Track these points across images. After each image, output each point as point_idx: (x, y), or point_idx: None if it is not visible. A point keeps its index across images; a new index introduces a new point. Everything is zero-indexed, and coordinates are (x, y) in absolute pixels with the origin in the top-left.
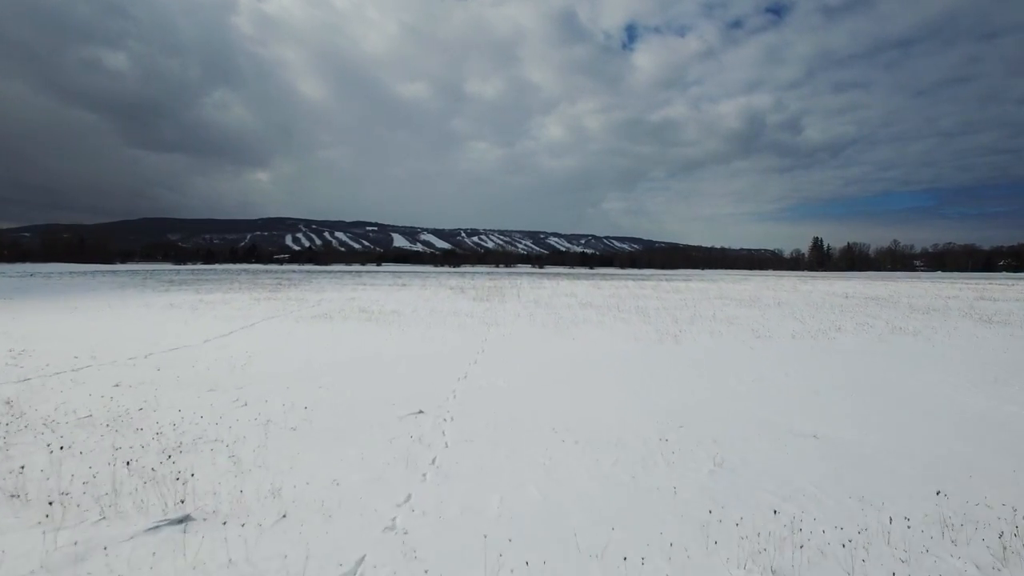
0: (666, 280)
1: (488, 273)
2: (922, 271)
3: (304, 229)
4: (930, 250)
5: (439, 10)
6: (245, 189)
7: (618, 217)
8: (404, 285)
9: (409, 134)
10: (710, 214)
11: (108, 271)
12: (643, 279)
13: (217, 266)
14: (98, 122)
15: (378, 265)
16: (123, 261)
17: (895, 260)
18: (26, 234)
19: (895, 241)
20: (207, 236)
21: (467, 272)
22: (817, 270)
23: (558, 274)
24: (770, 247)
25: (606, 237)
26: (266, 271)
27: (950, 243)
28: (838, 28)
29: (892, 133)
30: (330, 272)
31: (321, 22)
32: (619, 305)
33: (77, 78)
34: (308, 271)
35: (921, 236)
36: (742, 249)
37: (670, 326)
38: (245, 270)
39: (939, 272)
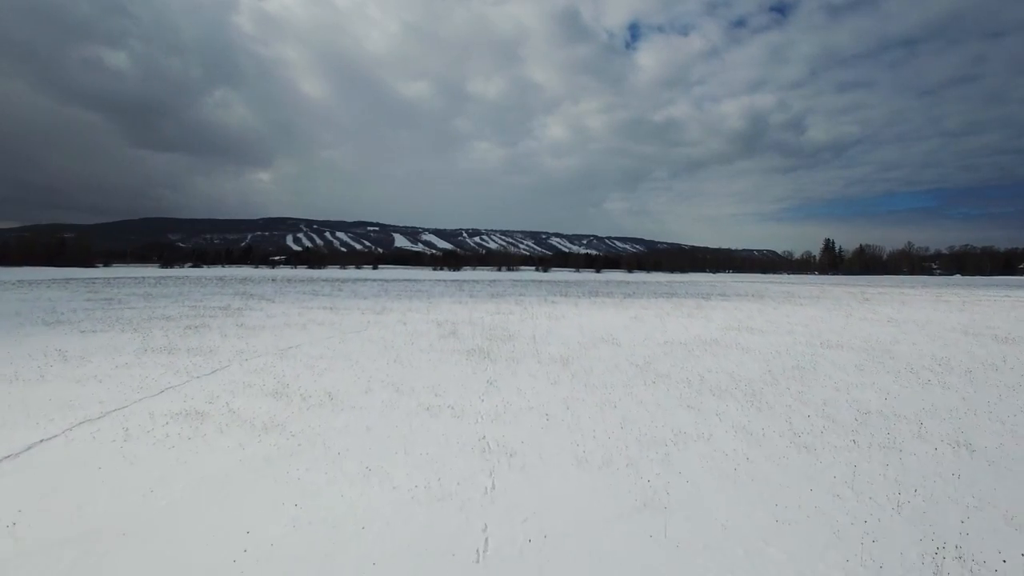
0: (703, 298)
1: (490, 282)
2: (940, 275)
3: (305, 229)
4: (945, 252)
5: (441, 9)
6: (246, 189)
7: (620, 217)
8: (380, 313)
9: (411, 134)
10: (712, 214)
11: (60, 279)
12: (674, 294)
13: (204, 270)
14: (99, 121)
15: (374, 268)
16: (107, 264)
17: (912, 263)
18: (25, 234)
19: (909, 243)
20: (208, 236)
21: (466, 280)
22: (829, 273)
23: (567, 283)
24: (772, 248)
25: (608, 237)
26: (243, 279)
27: (966, 245)
28: (842, 27)
29: (896, 133)
30: (311, 282)
31: (322, 21)
32: (701, 372)
33: (78, 77)
34: (289, 278)
35: (924, 237)
36: (744, 250)
37: (865, 468)
38: (221, 278)
39: (957, 275)
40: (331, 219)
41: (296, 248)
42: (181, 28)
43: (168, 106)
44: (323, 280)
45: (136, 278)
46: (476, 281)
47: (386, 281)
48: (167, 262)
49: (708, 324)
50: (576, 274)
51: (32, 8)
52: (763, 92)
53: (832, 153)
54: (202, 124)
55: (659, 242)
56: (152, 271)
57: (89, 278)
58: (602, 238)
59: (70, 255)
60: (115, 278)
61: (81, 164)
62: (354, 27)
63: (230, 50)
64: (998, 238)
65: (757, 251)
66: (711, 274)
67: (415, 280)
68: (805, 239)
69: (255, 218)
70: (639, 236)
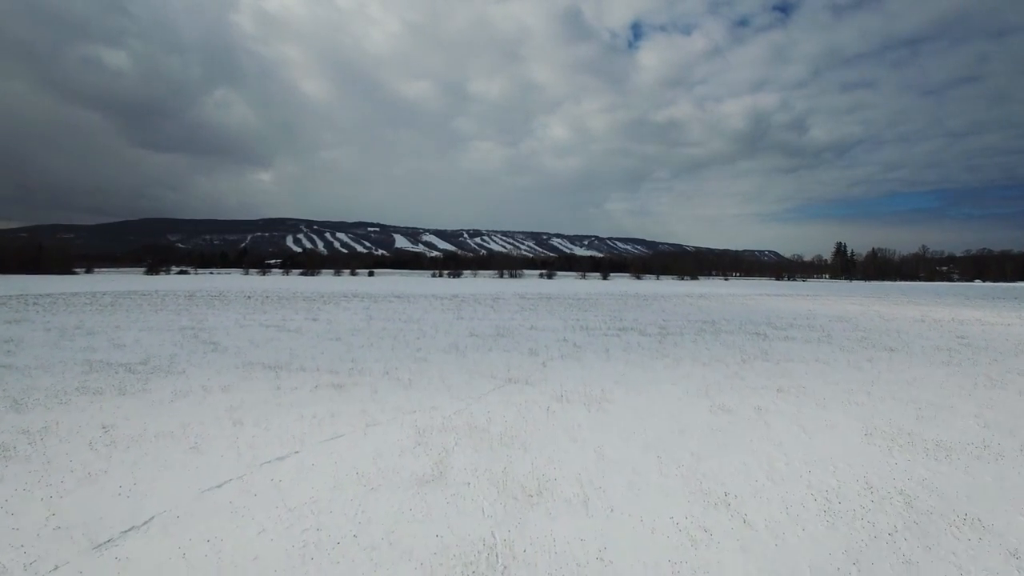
0: (759, 336)
1: (492, 301)
2: (960, 281)
3: (305, 230)
4: (960, 255)
5: (442, 8)
6: (247, 189)
7: (621, 218)
8: (340, 386)
9: (412, 134)
10: (714, 215)
11: (3, 296)
12: (717, 327)
13: (189, 277)
14: (100, 121)
15: (370, 274)
16: (89, 270)
17: (928, 268)
18: (24, 234)
19: (923, 247)
20: (207, 237)
21: (466, 297)
22: (842, 278)
23: (579, 301)
24: (775, 248)
25: (609, 238)
26: (215, 295)
27: (983, 248)
28: (846, 26)
29: (899, 133)
30: (291, 300)
31: (323, 20)
32: None
33: (77, 76)
34: (267, 295)
35: (927, 237)
36: (747, 251)
37: None
38: (192, 294)
39: (977, 282)
40: (331, 220)
41: (296, 249)
42: (181, 27)
43: (168, 106)
44: (304, 298)
45: (94, 294)
46: (477, 300)
47: (375, 300)
48: (153, 267)
49: (839, 427)
50: (583, 281)
51: (31, 7)
52: (765, 92)
53: (834, 153)
54: (202, 124)
55: (661, 243)
56: (131, 280)
57: (41, 294)
58: (603, 239)
59: (48, 261)
60: (72, 294)
61: (81, 164)
62: (355, 26)
63: (230, 49)
64: (1001, 239)
65: (759, 251)
66: (724, 280)
67: (408, 297)
68: (808, 239)
69: (255, 219)
70: (640, 237)
